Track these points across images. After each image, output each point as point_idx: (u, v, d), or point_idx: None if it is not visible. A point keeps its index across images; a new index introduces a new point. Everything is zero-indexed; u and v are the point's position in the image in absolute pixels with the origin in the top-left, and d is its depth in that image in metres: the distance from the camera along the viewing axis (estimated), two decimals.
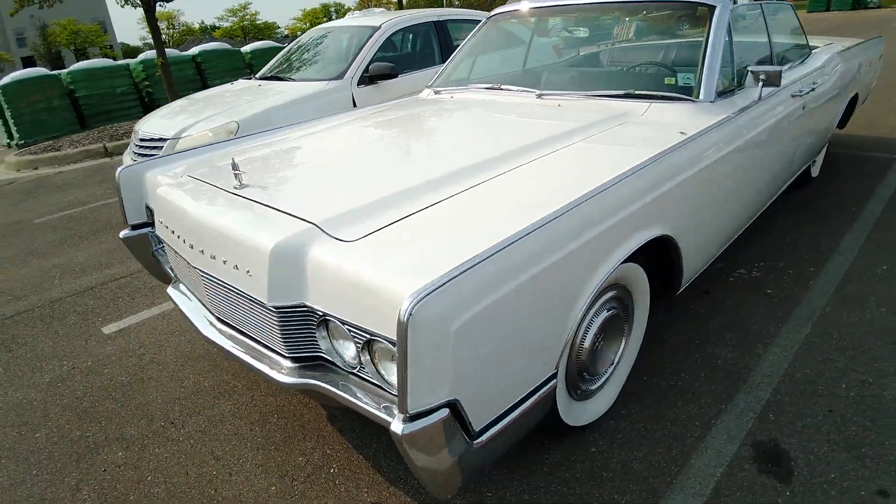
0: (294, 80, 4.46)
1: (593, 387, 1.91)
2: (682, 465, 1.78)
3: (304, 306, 1.42)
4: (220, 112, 3.90)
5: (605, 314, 1.80)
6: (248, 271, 1.47)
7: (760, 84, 2.36)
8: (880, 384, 2.04)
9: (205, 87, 10.39)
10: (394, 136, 2.24)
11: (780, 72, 2.30)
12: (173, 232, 1.81)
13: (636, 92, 2.32)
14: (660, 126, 2.09)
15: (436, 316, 1.09)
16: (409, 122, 2.40)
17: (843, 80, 3.42)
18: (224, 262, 1.55)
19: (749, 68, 2.38)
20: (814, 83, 2.96)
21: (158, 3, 8.31)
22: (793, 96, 2.70)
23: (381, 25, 4.53)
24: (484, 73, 2.95)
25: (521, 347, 1.35)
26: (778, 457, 1.78)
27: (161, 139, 3.87)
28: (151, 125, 4.10)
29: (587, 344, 1.77)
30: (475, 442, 1.29)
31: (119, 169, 2.29)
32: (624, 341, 2.01)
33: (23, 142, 8.91)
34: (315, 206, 1.58)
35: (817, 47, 3.58)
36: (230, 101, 4.16)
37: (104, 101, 10.12)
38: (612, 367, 1.99)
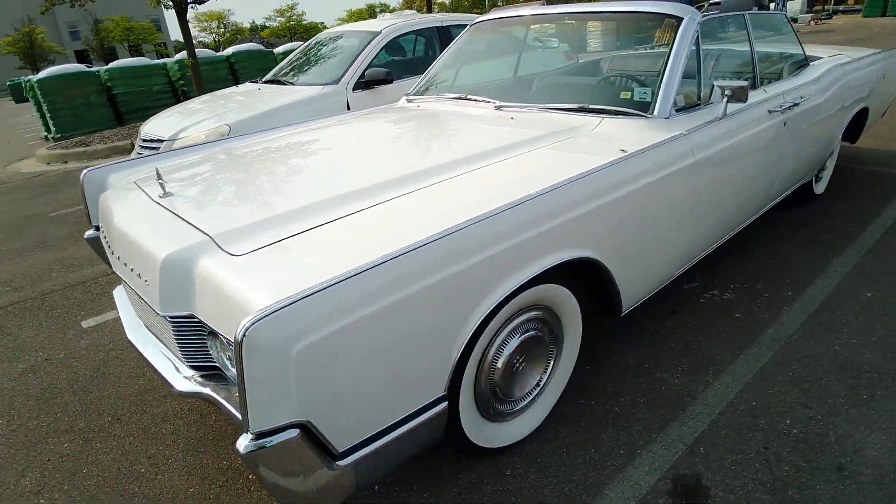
0: (294, 84, 4.54)
1: (514, 408, 1.87)
2: (595, 495, 1.73)
3: (194, 317, 1.45)
4: (216, 115, 4.00)
5: (521, 336, 1.77)
6: (146, 280, 1.51)
7: (725, 100, 2.26)
8: (828, 423, 1.93)
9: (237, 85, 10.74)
10: (337, 147, 2.25)
11: (746, 87, 2.20)
12: (104, 236, 1.88)
13: (589, 106, 2.26)
14: (605, 142, 2.03)
15: (272, 339, 1.09)
16: (360, 133, 2.41)
17: (843, 93, 3.24)
18: (132, 269, 1.60)
19: (715, 83, 2.28)
20: (801, 97, 2.81)
21: (191, 5, 8.60)
22: (770, 112, 2.57)
23: (381, 31, 4.56)
24: (457, 83, 2.93)
25: (393, 369, 1.33)
26: (696, 493, 1.71)
27: (159, 140, 4.00)
28: (152, 126, 4.25)
29: (500, 364, 1.74)
30: (339, 463, 1.29)
31: (85, 171, 2.38)
32: (552, 364, 1.96)
33: (59, 135, 9.39)
34: (222, 217, 1.60)
35: (819, 58, 3.40)
36: (229, 104, 4.27)
37: (140, 98, 10.56)
38: (538, 389, 1.95)
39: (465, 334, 1.46)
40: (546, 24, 2.95)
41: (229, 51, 11.45)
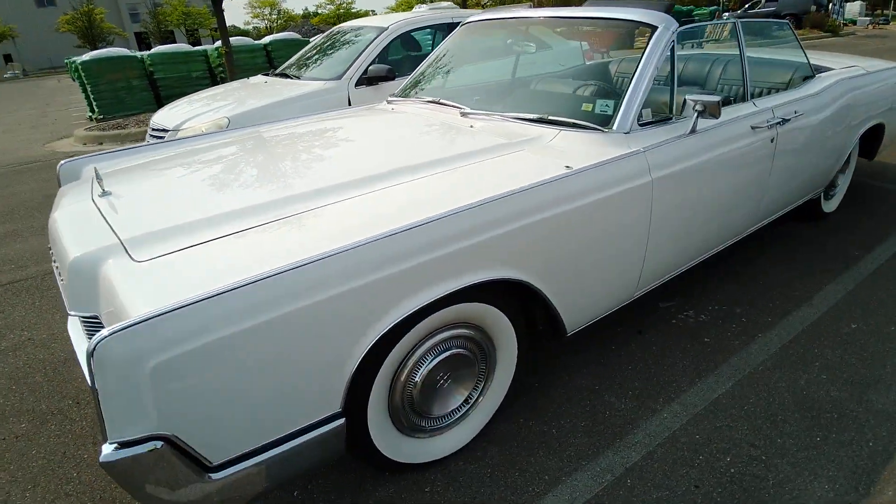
0: (300, 78, 4.58)
1: (438, 425, 1.85)
2: None
3: (98, 319, 1.48)
4: (218, 107, 4.09)
5: (443, 354, 1.74)
6: (62, 278, 1.56)
7: (695, 115, 2.15)
8: (771, 465, 1.82)
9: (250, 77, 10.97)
10: (286, 150, 2.24)
11: (718, 102, 2.08)
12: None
13: (549, 118, 2.19)
14: (554, 156, 1.96)
15: (124, 354, 1.10)
16: (316, 137, 2.40)
17: (850, 109, 3.03)
18: (56, 265, 1.65)
19: (686, 96, 2.17)
20: (795, 112, 2.64)
21: None
22: (754, 128, 2.43)
23: (388, 26, 4.54)
24: (436, 85, 2.89)
25: (274, 386, 1.33)
26: None
27: (164, 130, 4.12)
28: (160, 115, 4.38)
29: (419, 381, 1.71)
30: (214, 476, 1.30)
31: (62, 162, 2.47)
32: (483, 382, 1.92)
33: (101, 116, 9.78)
34: (143, 220, 1.63)
35: (829, 70, 3.18)
36: (233, 96, 4.35)
37: (180, 83, 10.87)
38: (468, 406, 1.91)
39: (358, 353, 1.44)
40: (529, 29, 2.87)
41: (266, 39, 11.65)
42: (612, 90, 2.24)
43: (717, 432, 1.96)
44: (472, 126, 2.28)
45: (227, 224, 1.57)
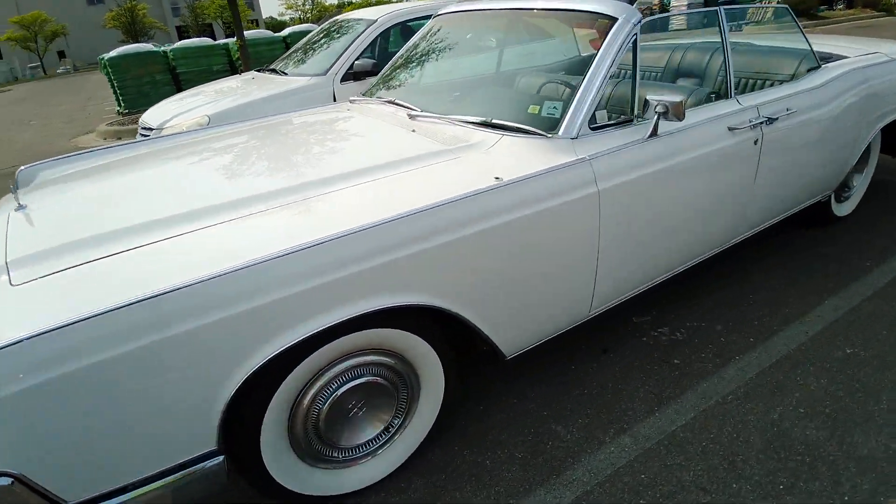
0: (287, 74, 4.49)
1: (353, 455, 1.72)
2: None
3: None
4: (201, 105, 4.04)
5: (350, 383, 1.61)
6: None
7: (656, 117, 1.93)
8: None
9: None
10: (211, 161, 2.13)
11: (682, 102, 1.86)
12: None
13: (492, 121, 2.00)
14: (488, 165, 1.78)
15: None
16: (248, 143, 2.27)
17: (865, 101, 2.71)
18: None
19: (647, 96, 1.95)
20: (787, 110, 2.37)
21: None
22: (732, 129, 2.18)
23: (377, 19, 4.39)
24: (399, 83, 2.72)
25: (134, 422, 1.23)
26: None
27: (150, 128, 4.10)
28: (149, 114, 4.37)
29: (325, 410, 1.59)
30: None
31: (20, 168, 2.44)
32: (406, 411, 1.78)
33: (127, 111, 10.01)
34: (38, 237, 1.55)
35: (841, 58, 2.86)
36: (221, 93, 4.30)
37: (202, 77, 10.98)
38: (390, 435, 1.78)
39: (228, 390, 1.32)
40: (505, 23, 2.67)
41: (285, 31, 11.66)
42: (570, 90, 2.03)
43: (665, 472, 1.77)
44: (414, 130, 2.12)
45: (114, 242, 1.47)
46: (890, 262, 2.86)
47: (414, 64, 2.74)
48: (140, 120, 4.38)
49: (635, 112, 2.01)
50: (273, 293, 1.31)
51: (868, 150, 3.17)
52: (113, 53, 10.20)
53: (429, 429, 1.85)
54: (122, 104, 10.26)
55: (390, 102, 2.49)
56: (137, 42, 33.32)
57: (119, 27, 35.71)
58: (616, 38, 1.97)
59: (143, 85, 10.39)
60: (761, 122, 2.26)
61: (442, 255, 1.55)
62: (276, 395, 1.47)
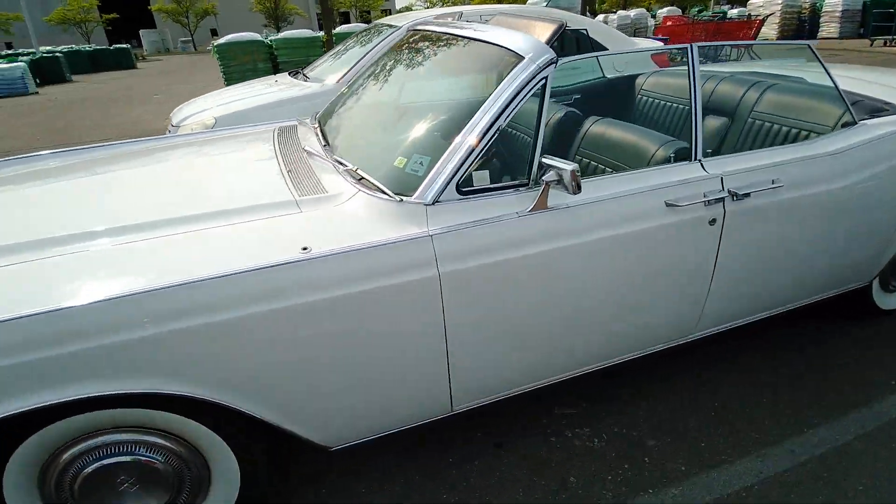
0: (309, 79, 4.41)
1: None
2: None
3: None
4: (215, 106, 4.08)
5: (103, 459, 1.44)
6: None
7: (543, 186, 1.54)
8: None
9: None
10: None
11: (576, 170, 1.46)
12: None
13: (358, 172, 1.71)
14: (321, 227, 1.52)
15: None
16: (134, 170, 2.15)
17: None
18: None
19: (543, 159, 1.56)
20: (773, 182, 1.81)
21: None
22: (670, 204, 1.69)
23: (401, 25, 4.17)
24: (336, 109, 2.46)
25: None
26: None
27: (173, 125, 4.23)
28: (177, 110, 4.50)
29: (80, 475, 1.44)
30: None
31: None
32: (195, 497, 1.58)
33: None
34: None
35: (892, 111, 2.16)
36: (231, 95, 4.35)
37: (300, 66, 11.51)
38: None
39: None
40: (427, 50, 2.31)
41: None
42: (444, 142, 1.68)
43: None
44: (290, 171, 1.88)
45: None
46: None
47: (353, 88, 2.50)
48: (171, 115, 4.54)
49: (532, 176, 1.62)
50: None
51: None
52: (222, 40, 10.95)
53: None
54: None
55: (316, 130, 2.27)
56: (278, 28, 35.78)
57: (263, 11, 38.58)
58: (513, 80, 1.59)
59: (245, 71, 11.04)
60: (721, 199, 1.75)
61: (203, 338, 1.32)
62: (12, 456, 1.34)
